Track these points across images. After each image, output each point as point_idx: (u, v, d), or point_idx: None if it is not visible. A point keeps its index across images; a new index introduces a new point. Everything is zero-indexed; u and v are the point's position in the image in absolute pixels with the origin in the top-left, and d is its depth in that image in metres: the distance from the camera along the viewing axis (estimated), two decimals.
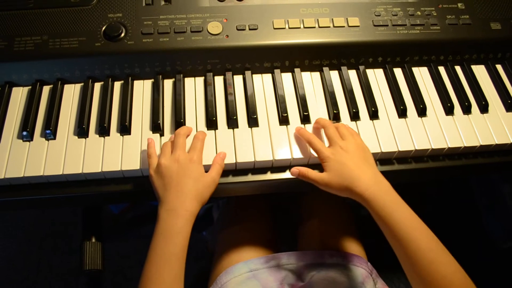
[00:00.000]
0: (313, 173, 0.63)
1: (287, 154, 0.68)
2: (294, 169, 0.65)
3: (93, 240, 0.81)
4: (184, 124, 0.70)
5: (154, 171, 0.62)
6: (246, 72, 0.75)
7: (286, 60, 0.76)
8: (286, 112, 0.71)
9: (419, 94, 0.76)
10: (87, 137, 0.69)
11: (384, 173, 0.70)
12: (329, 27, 0.76)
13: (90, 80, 0.74)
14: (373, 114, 0.73)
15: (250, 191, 0.72)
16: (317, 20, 0.76)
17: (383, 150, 0.69)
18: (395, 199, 0.58)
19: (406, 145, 0.70)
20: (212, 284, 0.75)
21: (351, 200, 0.62)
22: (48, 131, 0.68)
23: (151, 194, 0.66)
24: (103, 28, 0.73)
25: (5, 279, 1.35)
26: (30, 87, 0.74)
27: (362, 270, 0.75)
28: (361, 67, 0.78)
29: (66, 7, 0.74)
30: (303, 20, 0.76)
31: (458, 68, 0.81)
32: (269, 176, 0.68)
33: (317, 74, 0.78)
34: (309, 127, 0.71)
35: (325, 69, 0.77)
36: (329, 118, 0.73)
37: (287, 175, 0.68)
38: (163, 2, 0.76)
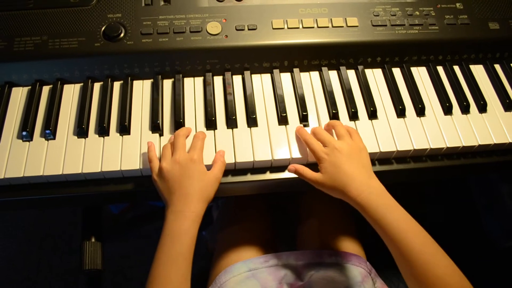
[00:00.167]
0: (308, 173, 0.64)
1: (286, 154, 0.68)
2: (291, 166, 0.66)
3: (93, 240, 0.81)
4: (184, 124, 0.70)
5: (157, 176, 0.63)
6: (245, 72, 0.76)
7: (285, 60, 0.76)
8: (285, 112, 0.72)
9: (418, 94, 0.76)
10: (87, 137, 0.69)
11: (383, 172, 0.70)
12: (328, 27, 0.76)
13: (90, 80, 0.74)
14: (372, 114, 0.73)
15: (249, 191, 0.72)
16: (316, 20, 0.76)
17: (382, 150, 0.69)
18: (388, 202, 0.59)
19: (404, 145, 0.70)
20: (211, 283, 0.75)
21: None
22: (47, 131, 0.68)
23: (150, 194, 0.66)
24: (103, 29, 0.73)
25: (5, 279, 1.36)
26: (29, 87, 0.74)
27: (361, 269, 0.75)
28: (360, 67, 0.78)
29: (66, 7, 0.74)
30: (302, 20, 0.76)
31: (456, 68, 0.81)
32: (268, 176, 0.69)
33: (316, 74, 0.78)
34: (307, 127, 0.71)
35: (324, 69, 0.77)
36: (328, 118, 0.73)
37: (286, 175, 0.68)
38: (162, 3, 0.76)
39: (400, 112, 0.74)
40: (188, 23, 0.74)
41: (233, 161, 0.67)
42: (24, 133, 0.68)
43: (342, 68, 0.78)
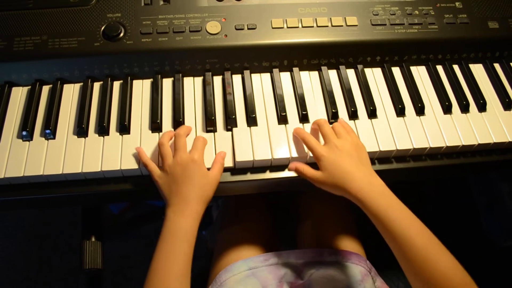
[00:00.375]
0: (308, 170, 0.64)
1: (286, 153, 0.68)
2: (292, 164, 0.66)
3: (93, 239, 0.81)
4: (183, 124, 0.70)
5: (158, 176, 0.63)
6: (244, 71, 0.76)
7: (284, 60, 0.76)
8: (285, 111, 0.72)
9: (417, 93, 0.76)
10: (87, 136, 0.69)
11: (382, 171, 0.70)
12: (327, 26, 0.76)
13: (90, 80, 0.74)
14: (372, 113, 0.73)
15: (249, 190, 0.72)
16: (315, 19, 0.76)
17: (382, 149, 0.69)
18: (388, 198, 0.59)
19: (404, 144, 0.70)
20: (211, 282, 0.75)
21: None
22: (47, 131, 0.68)
23: (150, 193, 0.66)
24: (102, 28, 0.73)
25: (5, 279, 1.36)
26: (29, 87, 0.74)
27: (361, 268, 0.75)
28: (360, 66, 0.78)
29: (65, 7, 0.74)
30: (301, 20, 0.76)
31: (456, 67, 0.81)
32: (268, 175, 0.69)
33: (315, 73, 0.78)
34: (307, 127, 0.71)
35: (324, 68, 0.77)
36: (328, 117, 0.73)
37: (286, 174, 0.68)
38: (161, 2, 0.76)
39: (400, 111, 0.74)
40: (187, 22, 0.74)
41: (233, 160, 0.67)
42: (24, 132, 0.68)
43: (342, 68, 0.78)
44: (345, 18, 0.77)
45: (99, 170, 0.65)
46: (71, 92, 0.74)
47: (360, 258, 0.77)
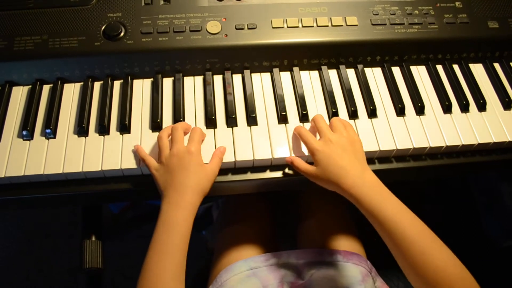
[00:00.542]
0: (303, 165, 0.64)
1: (286, 152, 0.68)
2: (289, 157, 0.66)
3: (93, 238, 0.81)
4: None
5: (154, 169, 0.63)
6: (245, 71, 0.76)
7: (284, 59, 0.77)
8: (285, 111, 0.72)
9: (417, 92, 0.76)
10: (87, 136, 0.69)
11: (382, 171, 0.70)
12: (327, 26, 0.76)
13: (90, 79, 0.74)
14: (372, 113, 0.73)
15: (249, 189, 0.72)
16: (316, 19, 0.76)
17: (382, 149, 0.69)
18: (382, 194, 0.58)
19: (404, 144, 0.70)
20: (212, 282, 0.75)
21: None
22: (48, 130, 0.68)
23: (150, 193, 0.66)
24: (103, 28, 0.73)
25: (5, 279, 1.36)
26: (30, 86, 0.74)
27: (361, 268, 0.75)
28: (360, 66, 0.78)
29: (66, 6, 0.74)
30: (301, 19, 0.76)
31: (456, 67, 0.81)
32: (268, 174, 0.69)
33: (315, 73, 0.78)
34: (307, 126, 0.71)
35: (324, 68, 0.78)
36: (328, 117, 0.73)
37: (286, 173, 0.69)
38: (162, 2, 0.76)
39: (400, 110, 0.74)
40: (188, 22, 0.74)
41: (233, 160, 0.67)
42: (24, 132, 0.68)
43: (342, 67, 0.78)
44: (345, 18, 0.77)
45: (100, 169, 0.65)
46: (71, 92, 0.74)
47: (361, 258, 0.77)
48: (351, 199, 0.59)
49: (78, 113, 0.71)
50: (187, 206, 0.59)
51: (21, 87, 0.74)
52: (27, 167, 0.65)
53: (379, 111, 0.74)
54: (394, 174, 0.72)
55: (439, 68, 0.81)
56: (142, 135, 0.69)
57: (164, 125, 0.71)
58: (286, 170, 0.69)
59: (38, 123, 0.70)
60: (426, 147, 0.70)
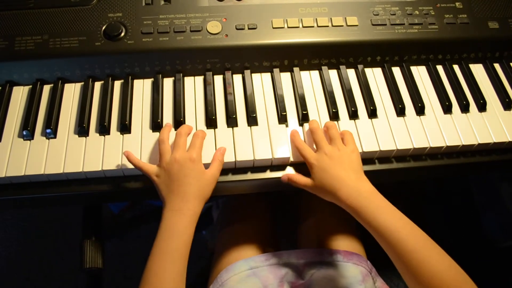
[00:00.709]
0: (301, 180, 0.65)
1: (287, 152, 0.68)
2: (284, 176, 0.66)
3: (93, 238, 0.81)
4: (184, 123, 0.70)
5: (155, 175, 0.63)
6: (245, 71, 0.76)
7: (285, 59, 0.77)
8: (285, 111, 0.72)
9: (417, 93, 0.76)
10: (88, 136, 0.69)
11: (382, 171, 0.71)
12: (327, 26, 0.76)
13: (91, 79, 0.74)
14: (372, 113, 0.73)
15: (249, 189, 0.72)
16: (316, 19, 0.76)
17: (382, 149, 0.69)
18: (378, 203, 0.59)
19: (404, 144, 0.70)
20: (212, 282, 0.75)
21: None
22: (48, 130, 0.68)
23: (151, 193, 0.66)
24: (103, 28, 0.73)
25: (5, 279, 1.36)
26: (30, 86, 0.74)
27: (361, 268, 0.75)
28: (360, 66, 0.78)
29: (66, 6, 0.74)
30: (302, 20, 0.76)
31: (456, 67, 0.81)
32: (269, 174, 0.69)
33: (316, 73, 0.78)
34: (307, 126, 0.71)
35: (324, 68, 0.78)
36: (328, 117, 0.73)
37: (286, 173, 0.69)
38: (162, 2, 0.76)
39: (400, 111, 0.74)
40: (188, 22, 0.74)
41: (234, 160, 0.67)
42: (25, 132, 0.68)
43: (342, 67, 0.78)
44: (345, 18, 0.77)
45: (100, 169, 0.65)
46: (72, 92, 0.74)
47: (361, 258, 0.77)
48: (348, 210, 0.60)
49: (79, 113, 0.71)
50: (190, 213, 0.59)
51: (22, 87, 0.74)
52: (27, 167, 0.65)
53: (379, 111, 0.74)
54: (394, 174, 0.72)
55: (439, 68, 0.81)
56: (142, 135, 0.69)
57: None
58: (286, 170, 0.69)
59: (39, 123, 0.70)
60: (426, 147, 0.70)
